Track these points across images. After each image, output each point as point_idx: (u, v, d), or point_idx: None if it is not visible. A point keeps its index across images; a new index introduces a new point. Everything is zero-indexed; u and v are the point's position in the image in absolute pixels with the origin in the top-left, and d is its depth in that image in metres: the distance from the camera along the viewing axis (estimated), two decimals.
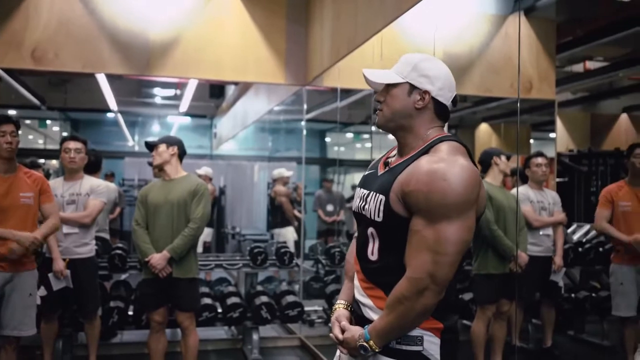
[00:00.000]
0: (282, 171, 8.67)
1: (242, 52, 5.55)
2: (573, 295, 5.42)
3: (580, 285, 5.82)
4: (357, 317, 1.81)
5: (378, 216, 1.70)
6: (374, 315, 1.73)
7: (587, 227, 6.81)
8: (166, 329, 4.26)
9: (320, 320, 6.12)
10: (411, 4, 3.45)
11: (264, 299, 5.10)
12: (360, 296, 1.79)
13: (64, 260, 4.11)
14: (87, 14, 5.14)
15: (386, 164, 1.81)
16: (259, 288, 5.51)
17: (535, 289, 4.93)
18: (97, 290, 4.44)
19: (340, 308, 1.88)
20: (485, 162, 4.53)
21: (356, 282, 1.83)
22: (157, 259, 3.88)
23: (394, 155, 1.84)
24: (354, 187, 11.39)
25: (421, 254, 1.60)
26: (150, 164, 4.27)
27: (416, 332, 1.67)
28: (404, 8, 3.54)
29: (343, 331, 1.77)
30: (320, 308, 6.20)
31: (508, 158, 4.47)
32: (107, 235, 5.40)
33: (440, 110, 1.77)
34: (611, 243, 4.37)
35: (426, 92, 1.73)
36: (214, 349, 5.35)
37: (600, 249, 5.58)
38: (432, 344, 1.69)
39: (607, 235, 4.23)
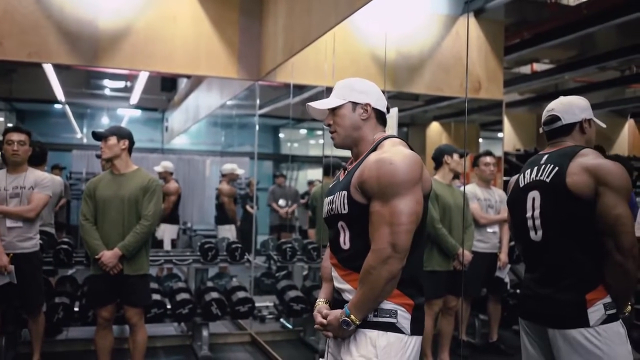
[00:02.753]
0: (234, 167, 8.56)
1: (194, 44, 5.48)
2: (518, 291, 5.56)
3: None
4: (338, 302, 2.05)
5: (344, 209, 1.99)
6: (352, 297, 1.96)
7: None
8: (114, 325, 4.19)
9: (271, 316, 6.12)
10: (364, 2, 3.48)
11: (214, 295, 5.06)
12: (340, 284, 2.04)
13: (8, 255, 4.00)
14: (34, 2, 5.00)
15: (344, 169, 2.12)
16: (209, 284, 5.47)
17: (482, 285, 5.04)
18: (41, 285, 4.33)
19: (321, 304, 2.12)
20: (437, 160, 4.57)
21: (335, 274, 2.08)
22: (108, 257, 3.81)
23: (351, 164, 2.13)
24: (310, 183, 11.43)
25: (381, 229, 1.87)
26: (98, 156, 4.18)
27: (390, 305, 1.93)
28: (357, 6, 3.56)
29: (326, 317, 2.01)
30: (272, 304, 6.20)
31: (461, 156, 4.53)
32: (52, 230, 5.27)
33: (380, 117, 2.11)
34: None
35: (367, 104, 2.07)
36: (162, 346, 5.30)
37: None
38: (404, 319, 1.94)
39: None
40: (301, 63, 5.06)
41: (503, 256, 4.92)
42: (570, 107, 2.54)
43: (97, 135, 3.99)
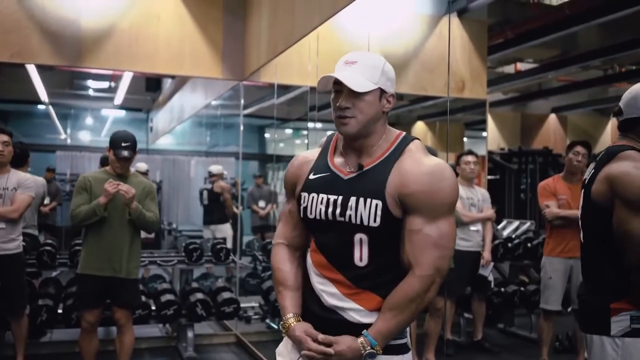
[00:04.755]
0: (220, 168, 8.62)
1: (177, 44, 5.47)
2: (503, 289, 5.60)
3: (510, 279, 6.02)
4: (334, 322, 1.74)
5: (374, 221, 1.69)
6: (363, 319, 1.71)
7: (516, 223, 7.04)
8: (99, 327, 4.16)
9: (256, 317, 6.12)
10: (347, 1, 3.48)
11: (199, 295, 5.05)
12: (340, 302, 1.74)
13: None
14: (16, 1, 4.96)
15: (360, 166, 1.76)
16: (194, 285, 5.45)
17: (466, 284, 5.07)
18: (24, 287, 4.29)
19: (296, 322, 1.79)
20: None
21: (330, 289, 1.76)
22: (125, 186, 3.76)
23: (341, 155, 1.82)
24: None
25: (428, 252, 1.66)
26: (105, 158, 4.11)
27: None
28: (340, 5, 3.57)
29: (328, 344, 1.69)
30: (257, 304, 6.19)
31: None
32: (35, 231, 5.22)
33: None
34: (546, 235, 4.53)
35: (392, 95, 1.79)
36: (147, 347, 5.27)
37: (529, 244, 5.78)
38: (408, 334, 1.80)
39: (562, 218, 4.26)
40: (285, 63, 5.06)
41: (486, 254, 4.95)
42: (635, 99, 2.23)
43: (124, 158, 3.87)
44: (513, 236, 6.27)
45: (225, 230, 8.26)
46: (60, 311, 4.76)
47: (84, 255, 3.94)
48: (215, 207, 8.42)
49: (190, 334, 5.02)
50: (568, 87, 9.85)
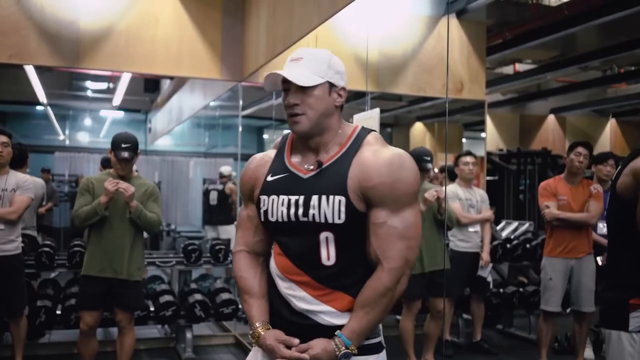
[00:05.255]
0: (231, 169, 8.82)
1: (176, 45, 5.46)
2: (501, 290, 5.60)
3: (509, 280, 6.03)
4: (305, 327, 1.69)
5: (339, 218, 1.64)
6: (334, 320, 1.67)
7: (515, 224, 7.04)
8: (98, 328, 4.16)
9: None
10: (346, 2, 3.48)
11: (198, 296, 5.05)
12: (310, 305, 1.69)
13: None
14: (15, 2, 4.95)
15: (319, 163, 1.71)
16: (193, 286, 5.45)
17: (464, 285, 5.06)
18: (23, 288, 4.28)
19: (265, 330, 1.73)
20: None
21: (298, 293, 1.70)
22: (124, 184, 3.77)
23: (297, 155, 1.79)
24: None
25: (394, 244, 1.63)
26: (106, 159, 4.10)
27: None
28: (339, 6, 3.57)
29: (302, 351, 1.64)
30: None
31: (421, 170, 4.26)
32: (34, 232, 5.22)
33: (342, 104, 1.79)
34: (546, 236, 4.53)
35: (343, 88, 1.75)
36: (146, 348, 5.27)
37: (528, 245, 5.78)
38: (381, 332, 1.76)
39: (561, 220, 4.29)
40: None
41: (485, 255, 4.95)
42: None
43: (124, 159, 3.87)
44: (512, 237, 6.27)
45: (230, 231, 8.32)
46: (59, 312, 4.75)
47: (86, 256, 3.95)
48: (224, 208, 8.53)
49: (189, 335, 5.02)
50: (567, 88, 9.86)
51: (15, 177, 4.16)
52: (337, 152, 1.72)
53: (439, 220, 4.35)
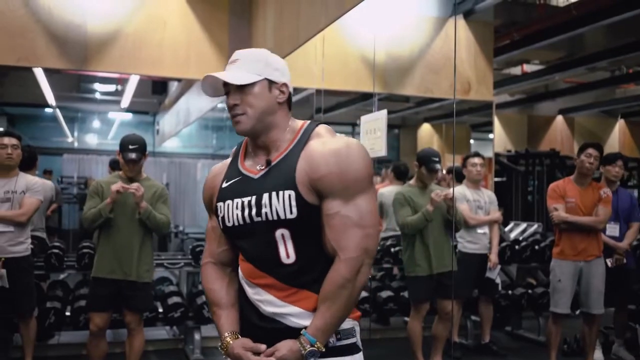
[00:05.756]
0: None
1: (183, 47, 5.48)
2: (510, 292, 5.58)
3: (517, 282, 6.00)
4: (275, 332, 1.64)
5: (290, 213, 1.61)
6: (302, 322, 1.62)
7: (524, 225, 7.02)
8: (107, 330, 4.17)
9: None
10: (353, 3, 3.48)
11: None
12: (277, 308, 1.65)
13: (0, 259, 3.98)
14: (23, 6, 4.98)
15: (268, 162, 1.69)
16: (201, 287, 5.45)
17: (473, 286, 5.05)
18: (32, 290, 4.31)
19: (233, 340, 1.69)
20: (417, 163, 4.49)
21: (265, 297, 1.67)
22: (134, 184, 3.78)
23: (251, 157, 1.77)
24: None
25: (350, 233, 1.59)
26: (114, 161, 4.11)
27: (349, 323, 1.67)
28: (346, 7, 3.57)
29: (269, 355, 1.60)
30: None
31: (429, 171, 4.34)
32: (43, 234, 5.24)
33: (290, 101, 1.77)
34: (554, 237, 4.52)
35: (284, 84, 1.73)
36: (155, 350, 5.28)
37: (536, 247, 5.76)
38: (358, 334, 1.71)
39: (569, 223, 4.26)
40: (291, 66, 5.02)
41: (493, 257, 4.93)
42: None
43: (132, 160, 3.88)
44: (520, 238, 6.25)
45: None
46: (68, 314, 4.77)
47: (96, 258, 3.96)
48: None
49: (197, 337, 5.03)
50: (575, 88, 9.83)
51: (25, 179, 4.18)
52: (286, 148, 1.69)
53: (448, 221, 4.34)
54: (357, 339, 1.69)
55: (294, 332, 1.61)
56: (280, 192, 1.63)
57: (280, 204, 1.62)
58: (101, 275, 3.89)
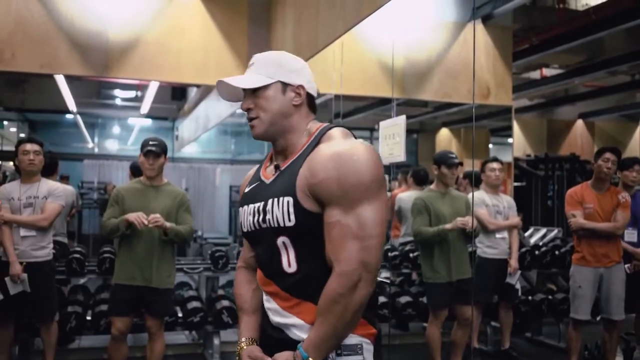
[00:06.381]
0: None
1: (203, 54, 5.52)
2: (530, 297, 5.54)
3: (537, 287, 5.96)
4: (281, 342, 1.59)
5: (289, 220, 1.54)
6: (303, 334, 1.56)
7: (543, 230, 6.96)
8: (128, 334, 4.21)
9: None
10: (371, 10, 3.50)
11: (225, 303, 5.08)
12: (283, 318, 1.60)
13: (21, 264, 4.04)
14: (45, 14, 5.06)
15: (276, 167, 1.66)
16: (220, 292, 5.48)
17: (492, 291, 5.02)
18: (54, 294, 4.36)
19: (246, 346, 1.69)
20: (435, 165, 4.49)
21: (272, 305, 1.63)
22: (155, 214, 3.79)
23: (272, 162, 1.72)
24: None
25: (347, 244, 1.47)
26: (136, 164, 4.14)
27: (355, 339, 1.56)
28: (364, 14, 3.58)
29: None
30: None
31: (449, 167, 4.38)
32: (64, 239, 5.31)
33: (311, 103, 1.70)
34: (574, 244, 4.48)
35: (300, 86, 1.66)
36: (174, 354, 5.30)
37: (557, 252, 5.71)
38: (368, 352, 1.59)
39: (587, 230, 4.23)
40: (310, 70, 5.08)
41: (513, 262, 4.90)
42: None
43: (150, 152, 3.91)
44: (540, 244, 6.20)
45: None
46: (88, 318, 4.81)
47: (117, 265, 4.00)
48: None
49: (216, 341, 5.04)
50: (595, 92, 9.74)
51: (47, 184, 4.24)
52: (297, 152, 1.63)
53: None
54: (362, 357, 1.56)
55: (296, 345, 1.55)
56: (281, 199, 1.57)
57: (280, 210, 1.56)
58: (123, 282, 3.92)
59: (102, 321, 4.69)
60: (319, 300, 1.50)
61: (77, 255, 5.01)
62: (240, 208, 1.73)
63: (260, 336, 1.71)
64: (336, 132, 1.61)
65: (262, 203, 1.62)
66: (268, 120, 1.64)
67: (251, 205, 1.67)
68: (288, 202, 1.55)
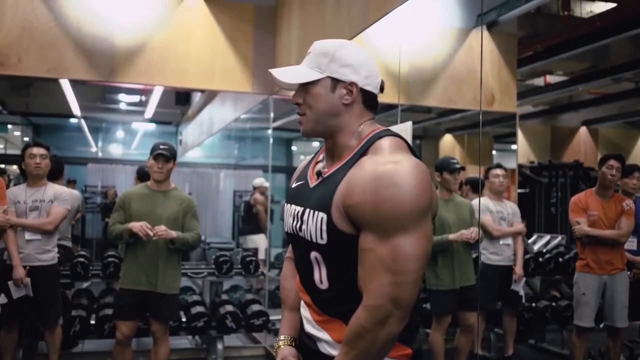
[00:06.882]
0: (262, 181, 9.13)
1: (208, 59, 5.54)
2: (534, 304, 5.53)
3: (541, 294, 5.95)
4: (312, 353, 1.55)
5: (321, 238, 1.43)
6: (332, 351, 1.48)
7: (547, 237, 6.96)
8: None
9: None
10: (378, 16, 3.51)
11: (229, 308, 5.08)
12: (315, 330, 1.53)
13: (25, 267, 4.05)
14: (52, 19, 5.08)
15: (318, 173, 1.53)
16: (224, 297, 5.49)
17: (496, 298, 5.02)
18: (58, 298, 4.37)
19: (284, 345, 1.63)
20: (437, 172, 4.52)
21: (307, 314, 1.56)
22: (162, 227, 3.79)
23: (322, 160, 1.60)
24: None
25: (378, 277, 1.33)
26: (143, 169, 4.15)
27: None
28: (371, 20, 3.59)
29: None
30: None
31: (451, 172, 4.39)
32: (69, 243, 5.32)
33: (369, 101, 1.53)
34: (577, 251, 4.48)
35: (352, 83, 1.49)
36: (177, 359, 5.30)
37: (560, 259, 5.71)
38: None
39: (591, 237, 4.24)
40: None
41: (518, 269, 4.90)
42: None
43: (160, 155, 3.93)
44: (544, 250, 6.20)
45: (255, 240, 8.58)
46: (92, 322, 4.82)
47: (123, 270, 4.02)
48: (249, 218, 8.87)
49: (219, 346, 5.05)
50: (599, 99, 9.73)
51: (53, 188, 4.26)
52: (342, 160, 1.49)
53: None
54: None
55: (324, 359, 1.50)
56: (316, 213, 1.45)
57: (314, 225, 1.45)
58: (128, 287, 3.93)
59: (106, 325, 4.70)
60: (347, 329, 1.40)
61: (82, 259, 5.03)
62: (285, 204, 1.63)
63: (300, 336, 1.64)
64: (385, 143, 1.44)
65: (302, 210, 1.52)
66: (314, 119, 1.51)
67: (293, 207, 1.57)
68: (322, 219, 1.43)
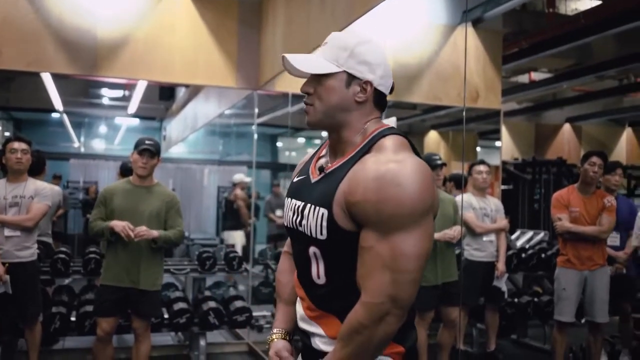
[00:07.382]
0: (242, 177, 9.10)
1: (192, 54, 5.49)
2: (516, 300, 5.55)
3: (523, 290, 5.98)
4: (304, 347, 1.56)
5: (321, 234, 1.44)
6: (324, 347, 1.50)
7: (530, 233, 6.99)
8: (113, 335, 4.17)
9: (268, 326, 6.11)
10: (362, 12, 3.49)
11: (212, 304, 5.05)
12: (309, 326, 1.54)
13: (4, 264, 3.99)
14: (33, 11, 5.00)
15: (321, 169, 1.53)
16: (207, 293, 5.45)
17: (479, 294, 5.03)
18: (38, 295, 4.31)
19: (277, 339, 1.64)
20: None
21: (300, 309, 1.58)
22: (142, 228, 3.75)
23: (325, 155, 1.60)
24: None
25: (377, 274, 1.35)
26: (126, 165, 4.12)
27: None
28: (355, 16, 3.58)
29: None
30: (269, 313, 6.19)
31: (433, 168, 4.35)
32: (49, 239, 5.25)
33: (380, 101, 1.53)
34: (559, 246, 4.50)
35: (368, 82, 1.48)
36: (159, 355, 5.27)
37: (543, 255, 5.74)
38: None
39: (572, 233, 4.26)
40: None
41: (501, 265, 4.92)
42: None
43: (146, 150, 3.88)
44: (527, 247, 6.23)
45: (234, 236, 8.55)
46: (73, 319, 4.77)
47: (104, 266, 3.98)
48: (229, 214, 8.81)
49: (202, 343, 5.02)
50: (583, 97, 9.80)
51: (34, 184, 4.20)
52: (345, 157, 1.49)
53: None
54: None
55: (317, 355, 1.51)
56: (317, 208, 1.46)
57: (314, 220, 1.46)
58: (109, 283, 3.89)
59: (86, 322, 4.65)
60: (343, 325, 1.42)
61: (62, 256, 4.97)
62: (286, 198, 1.63)
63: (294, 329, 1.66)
64: (389, 142, 1.44)
65: (302, 204, 1.52)
66: (322, 111, 1.49)
67: (294, 201, 1.57)
68: (323, 214, 1.44)
